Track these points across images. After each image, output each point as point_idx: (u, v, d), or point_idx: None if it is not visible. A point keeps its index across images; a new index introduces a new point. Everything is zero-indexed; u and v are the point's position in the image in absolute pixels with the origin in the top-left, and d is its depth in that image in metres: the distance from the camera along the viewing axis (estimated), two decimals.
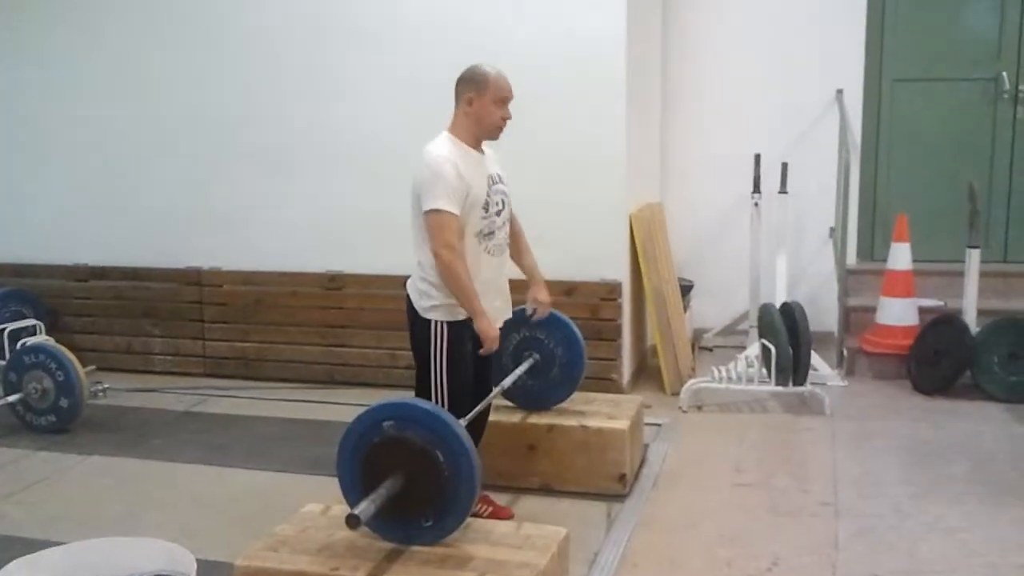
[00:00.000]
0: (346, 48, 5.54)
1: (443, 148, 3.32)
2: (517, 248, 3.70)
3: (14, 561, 2.55)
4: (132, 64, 5.95)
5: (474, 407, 3.37)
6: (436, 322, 3.36)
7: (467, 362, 3.40)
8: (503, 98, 3.39)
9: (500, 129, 3.45)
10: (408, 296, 3.47)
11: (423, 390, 3.39)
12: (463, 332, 3.37)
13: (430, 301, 3.36)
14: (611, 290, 5.24)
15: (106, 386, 5.10)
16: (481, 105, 3.36)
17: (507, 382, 3.81)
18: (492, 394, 3.79)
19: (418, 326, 3.41)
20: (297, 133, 5.70)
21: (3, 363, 5.14)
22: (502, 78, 3.39)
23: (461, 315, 3.35)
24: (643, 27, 5.72)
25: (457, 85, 3.42)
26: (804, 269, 6.44)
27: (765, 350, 5.00)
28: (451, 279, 3.23)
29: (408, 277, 3.51)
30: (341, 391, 5.49)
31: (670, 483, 4.14)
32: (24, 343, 5.22)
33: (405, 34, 5.41)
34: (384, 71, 5.49)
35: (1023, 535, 3.56)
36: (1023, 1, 6.07)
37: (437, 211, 3.21)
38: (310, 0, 5.55)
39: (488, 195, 3.38)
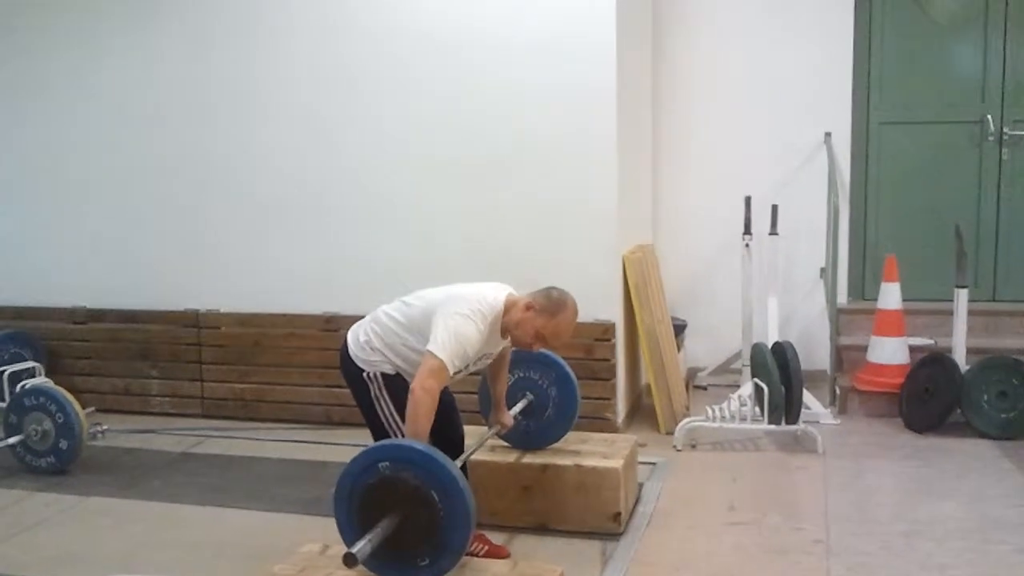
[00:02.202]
0: (343, 94, 5.64)
1: (485, 316, 3.28)
2: (497, 374, 3.75)
3: None
4: (129, 109, 6.05)
5: (447, 446, 3.40)
6: (370, 374, 3.42)
7: None
8: (545, 339, 3.39)
9: (521, 347, 3.51)
10: (347, 346, 3.49)
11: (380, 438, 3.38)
12: (398, 378, 3.43)
13: (371, 356, 3.42)
14: (605, 330, 5.30)
15: (105, 428, 5.13)
16: (529, 321, 3.35)
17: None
18: (487, 435, 3.84)
19: (354, 377, 3.45)
20: (294, 178, 5.78)
21: (3, 405, 5.18)
22: (565, 329, 3.38)
23: (393, 372, 3.42)
24: (634, 72, 5.83)
25: (543, 290, 3.41)
26: (796, 309, 6.52)
27: (758, 389, 5.05)
28: (411, 415, 3.11)
29: None
30: (338, 432, 5.50)
31: (664, 521, 4.17)
32: (24, 385, 5.25)
33: (401, 84, 5.51)
34: (379, 119, 5.59)
35: (1011, 571, 3.61)
36: (1005, 46, 6.21)
37: (440, 361, 3.13)
38: (311, 47, 5.66)
39: (474, 363, 3.41)
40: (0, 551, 3.97)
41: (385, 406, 3.40)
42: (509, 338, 3.48)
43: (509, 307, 3.38)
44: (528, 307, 3.35)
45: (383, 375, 3.41)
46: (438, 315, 3.24)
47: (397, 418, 3.36)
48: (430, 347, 3.16)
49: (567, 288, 4.83)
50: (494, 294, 3.39)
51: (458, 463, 3.01)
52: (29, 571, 3.72)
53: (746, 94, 6.51)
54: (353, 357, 3.46)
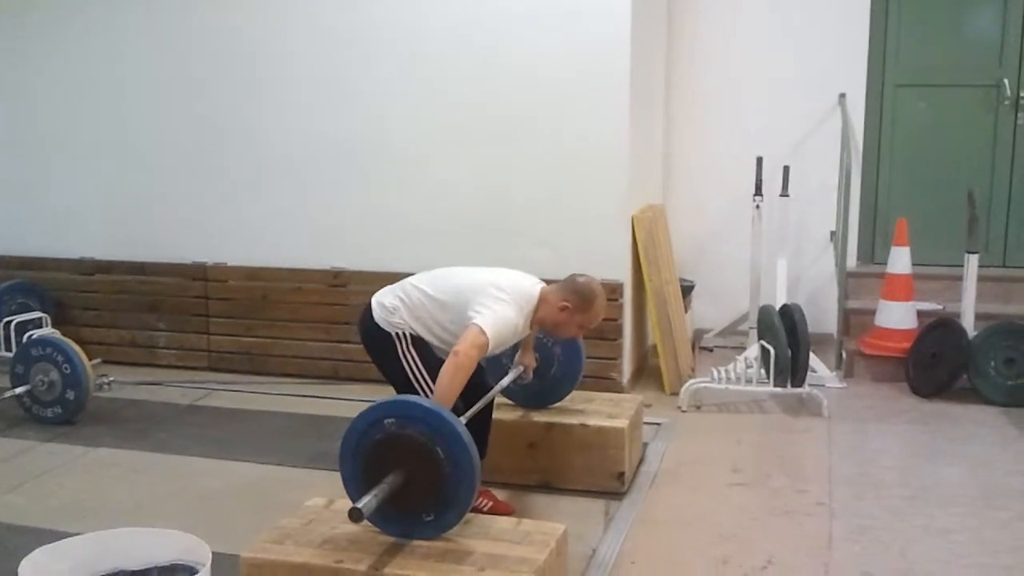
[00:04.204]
0: (353, 52, 5.58)
1: (523, 308, 3.41)
2: None
3: (37, 549, 2.60)
4: (141, 63, 6.00)
5: (471, 404, 3.42)
6: (398, 332, 3.49)
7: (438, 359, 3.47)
8: (588, 325, 3.58)
9: (566, 338, 3.74)
10: (370, 311, 3.57)
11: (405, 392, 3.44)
12: (424, 341, 3.53)
13: (398, 321, 3.50)
14: (612, 290, 5.27)
15: (111, 379, 5.17)
16: (569, 318, 3.50)
17: (506, 381, 3.85)
18: (492, 392, 3.84)
19: (379, 339, 3.53)
20: (303, 132, 5.75)
21: (10, 355, 5.19)
22: (601, 311, 3.56)
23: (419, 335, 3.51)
24: (647, 31, 5.76)
25: (569, 282, 3.52)
26: (804, 271, 6.49)
27: (764, 351, 5.05)
28: (449, 376, 3.15)
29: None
30: (344, 387, 5.53)
31: (668, 482, 4.19)
32: (31, 335, 5.27)
33: (407, 36, 5.46)
34: (390, 74, 5.53)
35: (1012, 537, 3.62)
36: None
37: (487, 339, 3.21)
38: (323, 7, 5.61)
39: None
40: (7, 500, 4.01)
41: (413, 361, 3.48)
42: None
43: (541, 301, 3.48)
44: (563, 308, 3.47)
45: (411, 335, 3.49)
46: (483, 296, 3.33)
47: (424, 372, 3.45)
48: (479, 322, 3.23)
49: (576, 247, 4.86)
50: (530, 289, 3.48)
51: (463, 420, 3.02)
52: (36, 520, 3.75)
53: (760, 54, 6.42)
54: (379, 322, 3.53)
